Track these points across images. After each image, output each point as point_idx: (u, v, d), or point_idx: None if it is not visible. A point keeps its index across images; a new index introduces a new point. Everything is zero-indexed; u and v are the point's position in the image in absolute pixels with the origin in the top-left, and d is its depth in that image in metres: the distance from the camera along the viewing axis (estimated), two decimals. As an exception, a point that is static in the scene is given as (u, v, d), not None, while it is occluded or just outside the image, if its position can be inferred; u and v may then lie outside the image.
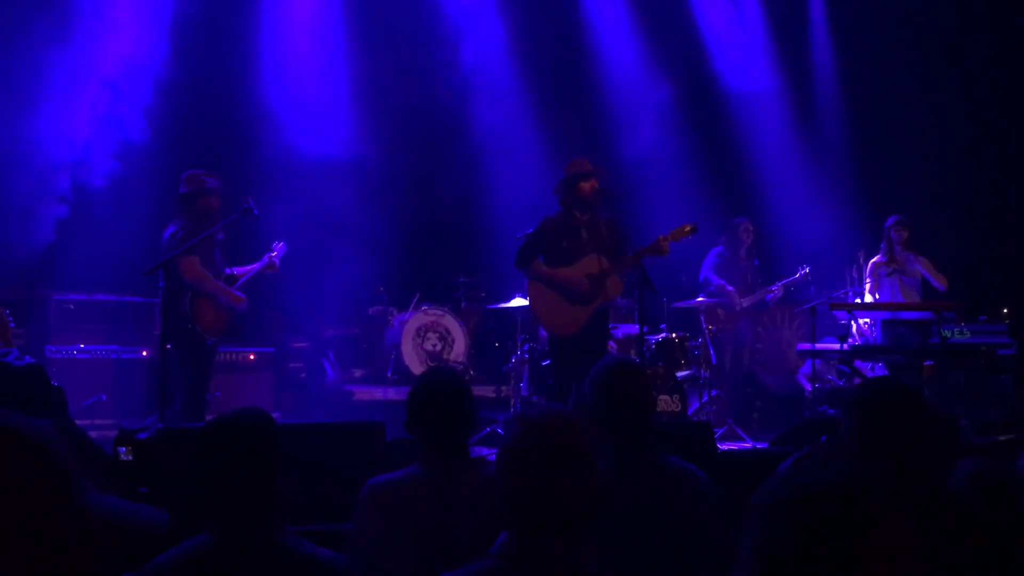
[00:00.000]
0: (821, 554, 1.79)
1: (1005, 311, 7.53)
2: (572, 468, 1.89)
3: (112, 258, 7.65)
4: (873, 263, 7.92)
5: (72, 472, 1.27)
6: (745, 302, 8.30)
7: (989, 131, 9.48)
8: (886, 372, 7.65)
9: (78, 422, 5.15)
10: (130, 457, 4.18)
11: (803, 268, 8.35)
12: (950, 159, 9.55)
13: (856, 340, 8.00)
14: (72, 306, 7.47)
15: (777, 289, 8.29)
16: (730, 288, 8.23)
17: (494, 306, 8.49)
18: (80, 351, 7.31)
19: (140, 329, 7.59)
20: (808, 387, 8.50)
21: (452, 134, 9.56)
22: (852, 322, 8.03)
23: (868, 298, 7.95)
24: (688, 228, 6.29)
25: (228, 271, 6.28)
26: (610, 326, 6.94)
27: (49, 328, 7.38)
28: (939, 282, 7.66)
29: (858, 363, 7.56)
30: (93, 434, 4.24)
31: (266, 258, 6.39)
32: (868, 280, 7.92)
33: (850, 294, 8.39)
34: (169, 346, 5.89)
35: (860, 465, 2.37)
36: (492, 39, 9.65)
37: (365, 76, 9.32)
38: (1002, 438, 5.26)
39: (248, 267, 6.38)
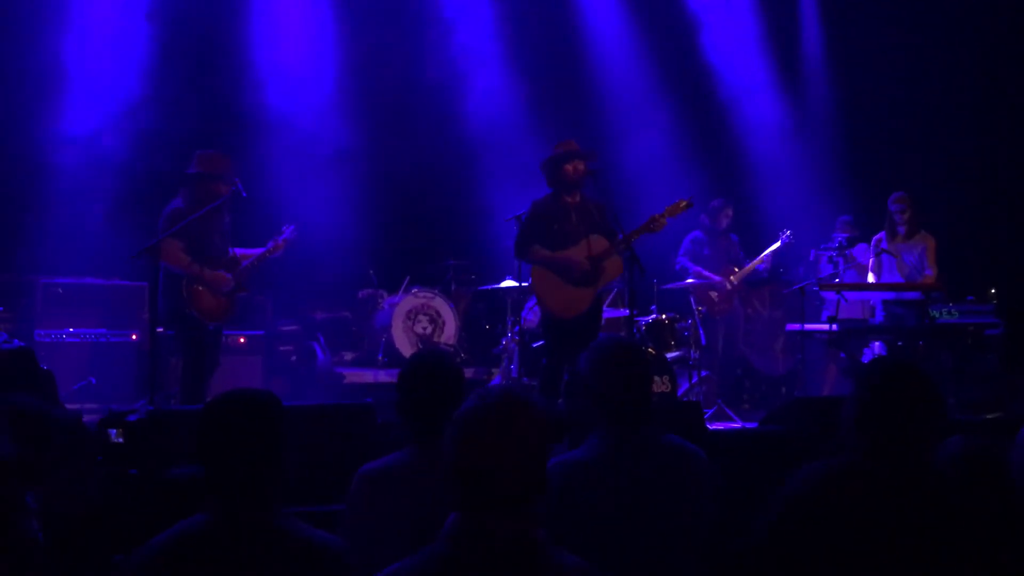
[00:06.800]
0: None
1: (992, 291, 7.54)
2: (521, 444, 1.90)
3: (100, 241, 7.62)
4: (875, 240, 7.90)
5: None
6: (736, 280, 8.29)
7: (979, 111, 9.49)
8: (884, 352, 7.62)
9: (68, 406, 5.14)
10: (120, 439, 4.18)
11: (784, 232, 8.33)
12: (938, 137, 9.54)
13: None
14: (60, 290, 7.43)
15: (767, 258, 8.29)
16: (716, 278, 8.22)
17: (485, 288, 8.48)
18: (69, 335, 7.29)
19: (129, 313, 7.55)
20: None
21: (441, 115, 9.51)
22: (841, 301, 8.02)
23: (870, 276, 7.91)
24: (683, 204, 6.30)
25: (232, 252, 6.20)
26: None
27: (37, 312, 7.33)
28: (929, 268, 7.63)
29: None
30: (84, 418, 4.25)
31: (271, 243, 6.26)
32: (871, 257, 7.90)
33: (839, 264, 8.33)
34: (160, 329, 5.86)
35: (857, 440, 2.39)
36: (482, 19, 9.61)
37: (353, 58, 9.27)
38: (988, 416, 5.30)
39: (252, 251, 6.29)
